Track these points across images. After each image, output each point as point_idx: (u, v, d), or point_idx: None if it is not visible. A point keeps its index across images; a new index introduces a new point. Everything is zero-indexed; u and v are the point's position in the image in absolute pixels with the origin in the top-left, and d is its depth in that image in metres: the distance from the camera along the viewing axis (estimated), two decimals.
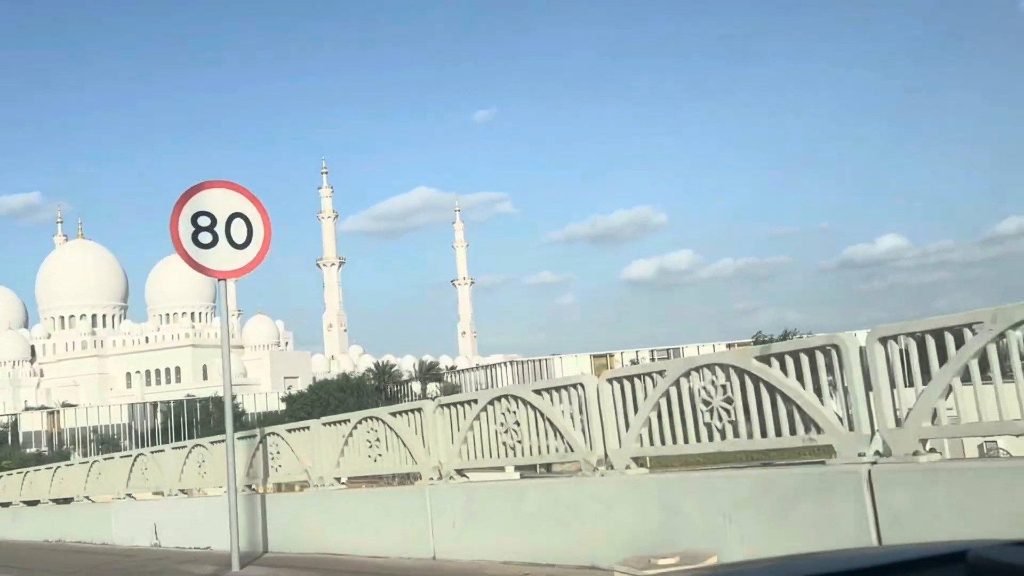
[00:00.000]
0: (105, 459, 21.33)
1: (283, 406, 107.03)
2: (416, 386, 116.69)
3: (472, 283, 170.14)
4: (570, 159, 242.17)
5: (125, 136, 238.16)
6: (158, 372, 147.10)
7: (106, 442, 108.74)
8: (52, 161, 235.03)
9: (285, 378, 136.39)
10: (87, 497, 20.76)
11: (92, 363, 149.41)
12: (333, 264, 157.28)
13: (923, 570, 1.64)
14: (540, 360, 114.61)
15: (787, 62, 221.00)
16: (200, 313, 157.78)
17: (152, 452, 18.55)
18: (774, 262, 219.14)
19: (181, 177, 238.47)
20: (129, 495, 18.57)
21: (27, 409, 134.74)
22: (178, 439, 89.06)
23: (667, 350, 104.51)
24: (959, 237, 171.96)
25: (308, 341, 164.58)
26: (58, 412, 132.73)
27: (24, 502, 24.60)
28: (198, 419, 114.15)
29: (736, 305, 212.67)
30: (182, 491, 16.45)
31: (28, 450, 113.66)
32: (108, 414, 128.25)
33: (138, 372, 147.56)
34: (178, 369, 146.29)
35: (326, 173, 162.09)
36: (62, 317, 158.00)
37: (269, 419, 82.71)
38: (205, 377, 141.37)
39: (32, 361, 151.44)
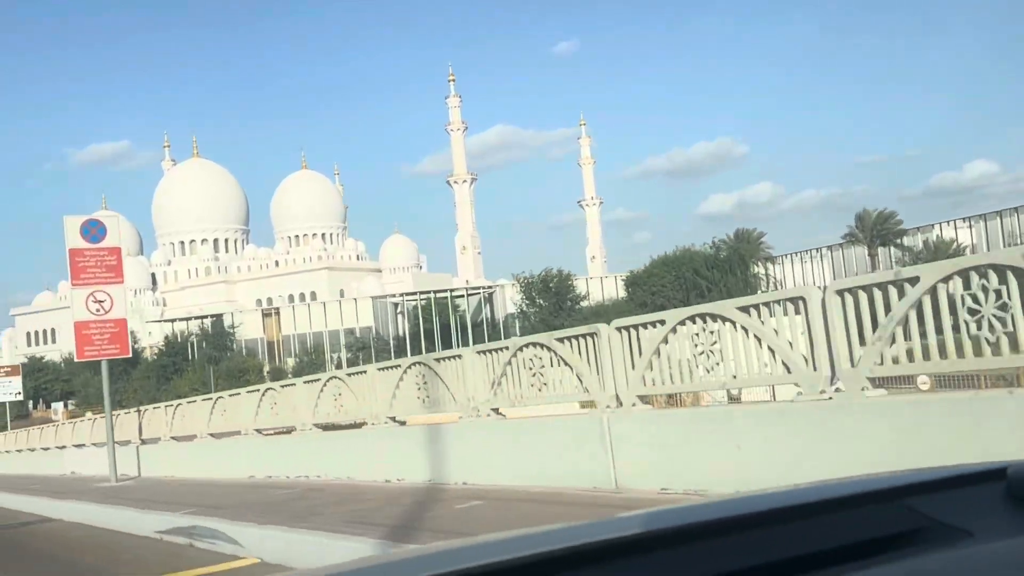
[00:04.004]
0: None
1: (622, 293, 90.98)
2: (783, 270, 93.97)
3: (601, 203, 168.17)
4: (650, 92, 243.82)
5: (229, 55, 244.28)
6: (291, 297, 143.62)
7: (363, 350, 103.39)
8: (158, 89, 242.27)
9: None
10: (314, 425, 18.33)
11: (220, 290, 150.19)
12: (464, 181, 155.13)
13: (964, 486, 1.76)
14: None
15: None
16: (331, 235, 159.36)
17: (380, 369, 15.89)
18: (858, 191, 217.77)
19: (296, 91, 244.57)
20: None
21: (240, 311, 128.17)
22: (445, 347, 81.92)
23: None
24: None
25: (437, 265, 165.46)
26: (277, 312, 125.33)
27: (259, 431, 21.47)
28: (454, 322, 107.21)
29: (818, 236, 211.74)
30: (392, 418, 14.89)
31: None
32: (355, 312, 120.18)
33: (269, 298, 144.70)
34: (313, 294, 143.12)
35: (453, 80, 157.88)
36: (182, 243, 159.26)
37: (604, 311, 71.98)
38: None
39: (154, 289, 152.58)
